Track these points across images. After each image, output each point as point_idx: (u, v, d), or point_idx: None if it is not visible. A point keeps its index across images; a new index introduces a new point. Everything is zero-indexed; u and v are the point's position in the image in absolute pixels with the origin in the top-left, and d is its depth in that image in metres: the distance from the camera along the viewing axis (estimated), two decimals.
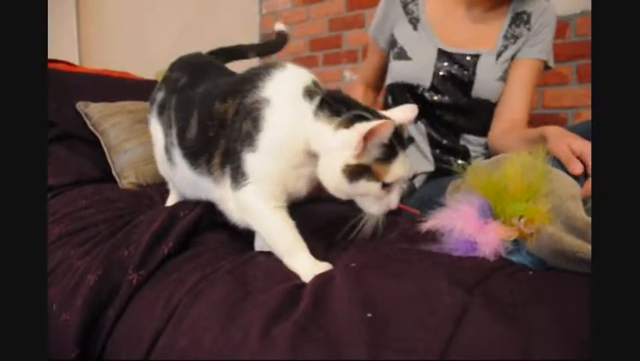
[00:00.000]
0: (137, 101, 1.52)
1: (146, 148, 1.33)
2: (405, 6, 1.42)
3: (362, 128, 0.67)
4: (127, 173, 1.29)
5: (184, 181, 0.94)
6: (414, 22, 1.39)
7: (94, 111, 1.40)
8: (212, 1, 2.83)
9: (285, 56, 3.00)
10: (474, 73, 1.31)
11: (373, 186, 0.71)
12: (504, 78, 1.34)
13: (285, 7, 2.99)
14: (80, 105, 1.43)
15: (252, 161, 0.75)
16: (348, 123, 0.70)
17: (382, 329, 0.54)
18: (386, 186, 0.72)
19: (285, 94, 0.76)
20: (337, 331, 0.56)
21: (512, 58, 1.35)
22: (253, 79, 0.79)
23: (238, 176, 0.77)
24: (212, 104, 0.81)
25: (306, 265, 0.74)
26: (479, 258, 0.67)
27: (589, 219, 0.64)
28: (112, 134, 1.36)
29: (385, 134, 0.68)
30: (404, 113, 0.77)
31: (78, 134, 1.42)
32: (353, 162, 0.70)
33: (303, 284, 0.69)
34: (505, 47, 1.33)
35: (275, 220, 0.77)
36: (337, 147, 0.70)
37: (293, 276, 0.72)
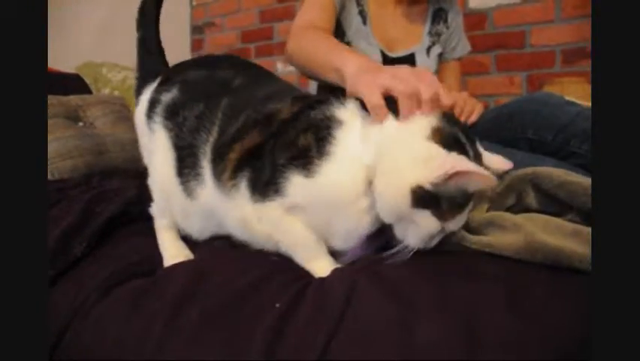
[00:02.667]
0: (54, 95, 1.45)
1: (62, 143, 1.28)
2: None
3: (460, 164, 0.56)
4: None
5: (204, 208, 0.76)
6: (364, 15, 1.37)
7: None
8: None
9: (217, 48, 2.96)
10: None
11: (433, 225, 0.60)
12: (437, 72, 1.46)
13: None
14: None
15: (298, 186, 0.63)
16: (444, 140, 0.60)
17: (286, 317, 0.56)
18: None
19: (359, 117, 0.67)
20: (242, 318, 0.57)
21: (439, 56, 1.46)
22: (324, 95, 0.70)
23: (268, 189, 0.65)
24: (266, 104, 0.71)
25: (328, 269, 0.67)
26: None
27: (486, 215, 0.69)
28: None
29: (476, 187, 0.59)
30: (499, 165, 0.67)
31: None
32: (428, 187, 0.57)
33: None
34: (433, 43, 1.44)
35: (298, 229, 0.68)
36: (418, 159, 0.59)
37: (199, 268, 0.70)
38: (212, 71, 0.85)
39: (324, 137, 0.63)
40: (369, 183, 0.62)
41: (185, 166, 0.77)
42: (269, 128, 0.69)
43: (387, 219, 0.63)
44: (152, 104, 0.84)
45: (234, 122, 0.72)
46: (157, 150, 0.82)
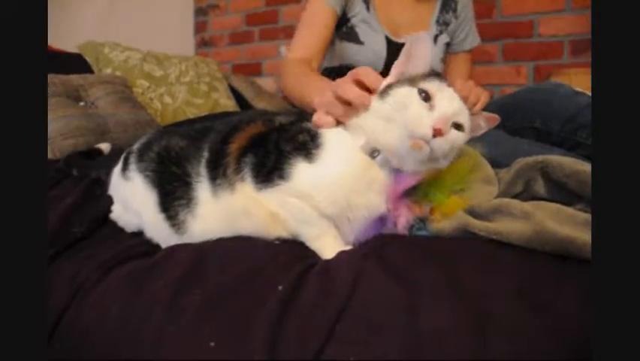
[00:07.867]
0: (55, 74, 1.43)
1: (64, 122, 1.27)
2: None
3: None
4: None
5: (206, 219, 0.72)
6: (367, 1, 1.36)
7: None
8: None
9: (221, 30, 2.93)
10: None
11: (405, 90, 0.63)
12: (444, 60, 1.46)
13: None
14: None
15: (302, 171, 0.65)
16: None
17: (289, 300, 0.54)
18: (426, 98, 0.62)
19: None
20: (244, 302, 0.56)
21: (447, 46, 1.46)
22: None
23: (272, 175, 0.66)
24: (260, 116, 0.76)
25: (334, 248, 0.66)
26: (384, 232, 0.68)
27: (494, 202, 0.67)
28: None
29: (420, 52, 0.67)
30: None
31: None
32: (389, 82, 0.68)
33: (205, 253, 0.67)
34: (440, 32, 1.43)
35: (304, 207, 0.67)
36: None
37: (200, 250, 0.68)
38: (190, 124, 0.87)
39: (315, 134, 0.69)
40: (371, 155, 0.67)
41: (173, 198, 0.73)
42: (272, 123, 0.73)
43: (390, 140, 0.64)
44: (126, 158, 0.83)
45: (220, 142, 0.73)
46: (136, 194, 0.78)
